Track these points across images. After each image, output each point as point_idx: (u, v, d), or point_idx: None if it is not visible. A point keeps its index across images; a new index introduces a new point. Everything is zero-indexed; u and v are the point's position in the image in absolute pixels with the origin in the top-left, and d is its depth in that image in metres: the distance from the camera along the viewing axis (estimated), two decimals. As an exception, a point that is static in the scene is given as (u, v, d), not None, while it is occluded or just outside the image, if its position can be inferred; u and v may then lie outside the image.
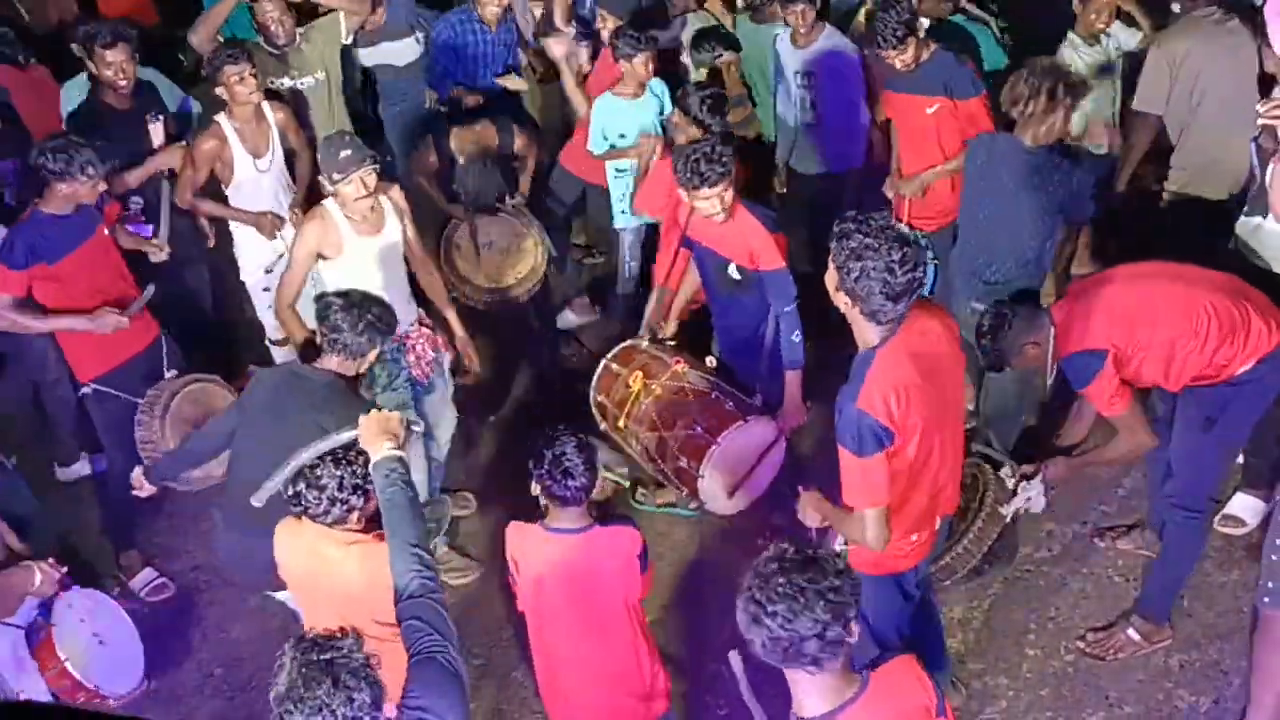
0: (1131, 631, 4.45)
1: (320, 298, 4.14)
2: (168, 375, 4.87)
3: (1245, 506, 4.82)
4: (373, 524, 3.42)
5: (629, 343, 5.10)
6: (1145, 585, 4.51)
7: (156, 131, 5.45)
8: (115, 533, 5.17)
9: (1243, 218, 4.58)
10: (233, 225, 5.59)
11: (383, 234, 4.71)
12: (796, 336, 4.60)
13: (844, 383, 3.34)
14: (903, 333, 3.31)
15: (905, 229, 3.33)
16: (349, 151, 4.51)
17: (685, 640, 4.73)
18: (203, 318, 5.86)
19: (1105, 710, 4.28)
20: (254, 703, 4.57)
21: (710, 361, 4.93)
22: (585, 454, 3.53)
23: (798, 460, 4.95)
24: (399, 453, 3.17)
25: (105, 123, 5.22)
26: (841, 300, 3.28)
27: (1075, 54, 5.44)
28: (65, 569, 4.02)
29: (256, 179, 5.45)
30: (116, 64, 5.19)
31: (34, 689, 3.90)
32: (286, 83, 5.72)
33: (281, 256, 5.42)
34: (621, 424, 4.85)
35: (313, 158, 5.55)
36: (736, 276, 4.70)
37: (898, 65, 5.04)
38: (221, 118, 5.35)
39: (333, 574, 3.48)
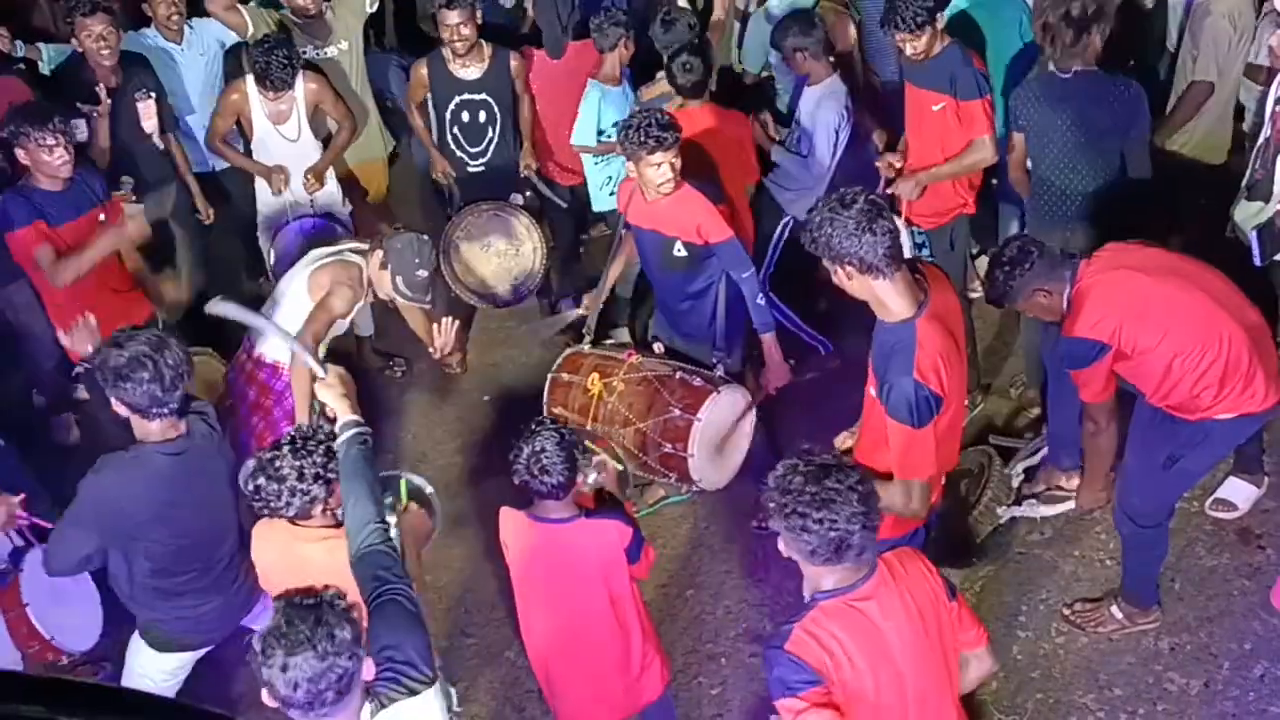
0: (1115, 610, 4.48)
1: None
2: None
3: (1236, 491, 4.83)
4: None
5: (570, 351, 5.06)
6: (1123, 572, 4.53)
7: (147, 110, 5.38)
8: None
9: (1244, 202, 4.57)
10: (256, 182, 5.67)
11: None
12: (761, 299, 4.64)
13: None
14: (931, 304, 3.35)
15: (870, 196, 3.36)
16: (425, 274, 4.45)
17: (677, 622, 4.75)
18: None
19: (1095, 692, 4.29)
20: (248, 678, 4.57)
21: (658, 347, 4.93)
22: (565, 450, 3.47)
23: (776, 425, 5.00)
24: (359, 419, 3.21)
25: (88, 101, 5.16)
26: (848, 276, 3.30)
27: None
28: (16, 498, 3.94)
29: (278, 141, 5.51)
30: (96, 33, 5.09)
31: None
32: (310, 52, 5.71)
33: (287, 223, 5.51)
34: (590, 430, 4.80)
35: (352, 129, 5.66)
36: (683, 253, 4.67)
37: (906, 50, 4.91)
38: (249, 76, 5.41)
39: (309, 573, 3.38)
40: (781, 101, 5.99)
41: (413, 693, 2.67)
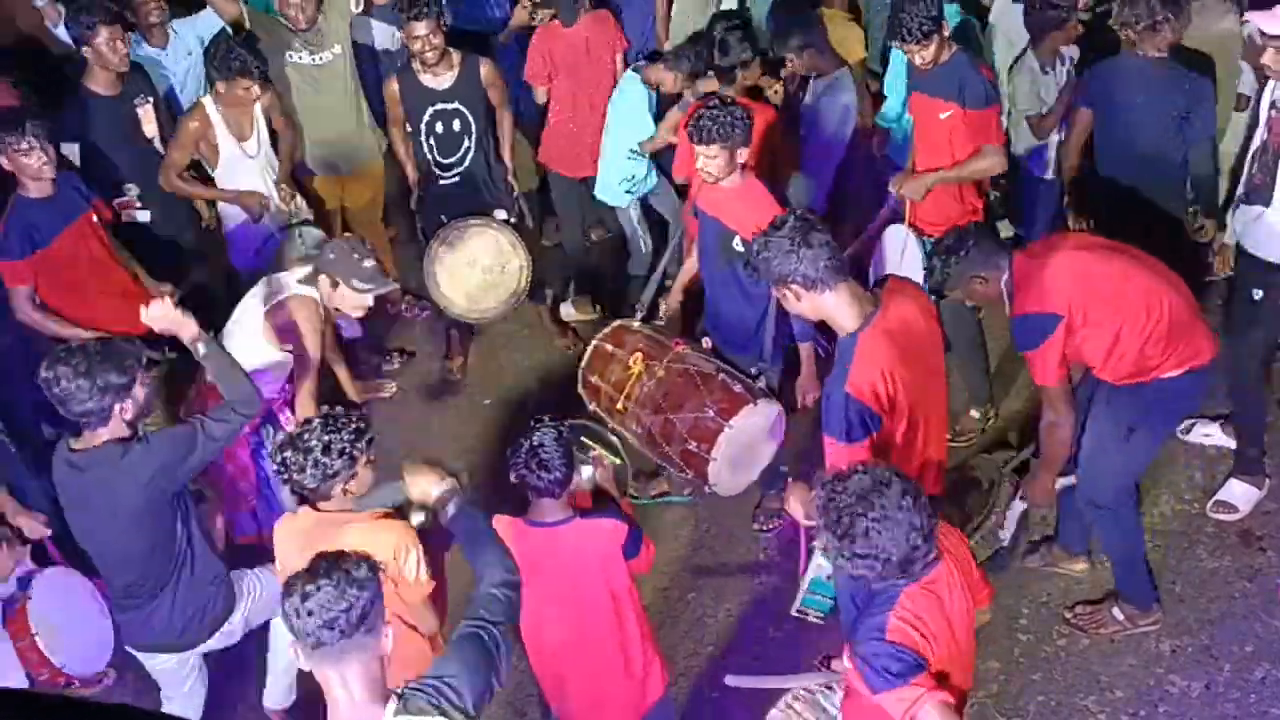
0: (1116, 611, 4.49)
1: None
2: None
3: (1237, 493, 4.84)
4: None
5: (619, 323, 5.06)
6: (1114, 573, 4.54)
7: (147, 115, 5.40)
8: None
9: (1242, 206, 4.58)
10: (222, 208, 5.57)
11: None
12: None
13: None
14: (881, 317, 3.34)
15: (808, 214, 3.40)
16: (371, 262, 4.44)
17: (678, 624, 4.74)
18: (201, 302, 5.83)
19: (1097, 694, 4.30)
20: (247, 684, 4.56)
21: (706, 343, 4.89)
22: (563, 447, 3.50)
23: (795, 441, 4.94)
24: (450, 484, 3.28)
25: (94, 111, 5.19)
26: (796, 296, 3.35)
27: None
28: (27, 544, 4.04)
29: (242, 161, 5.41)
30: (110, 41, 5.09)
31: (5, 660, 3.90)
32: (306, 59, 5.69)
33: (271, 238, 5.41)
34: (620, 406, 4.79)
35: (295, 139, 5.60)
36: (739, 249, 4.60)
37: (915, 61, 4.87)
38: (207, 100, 5.33)
39: None
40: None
41: (442, 714, 2.58)
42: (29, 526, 4.28)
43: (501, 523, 3.64)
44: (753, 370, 4.78)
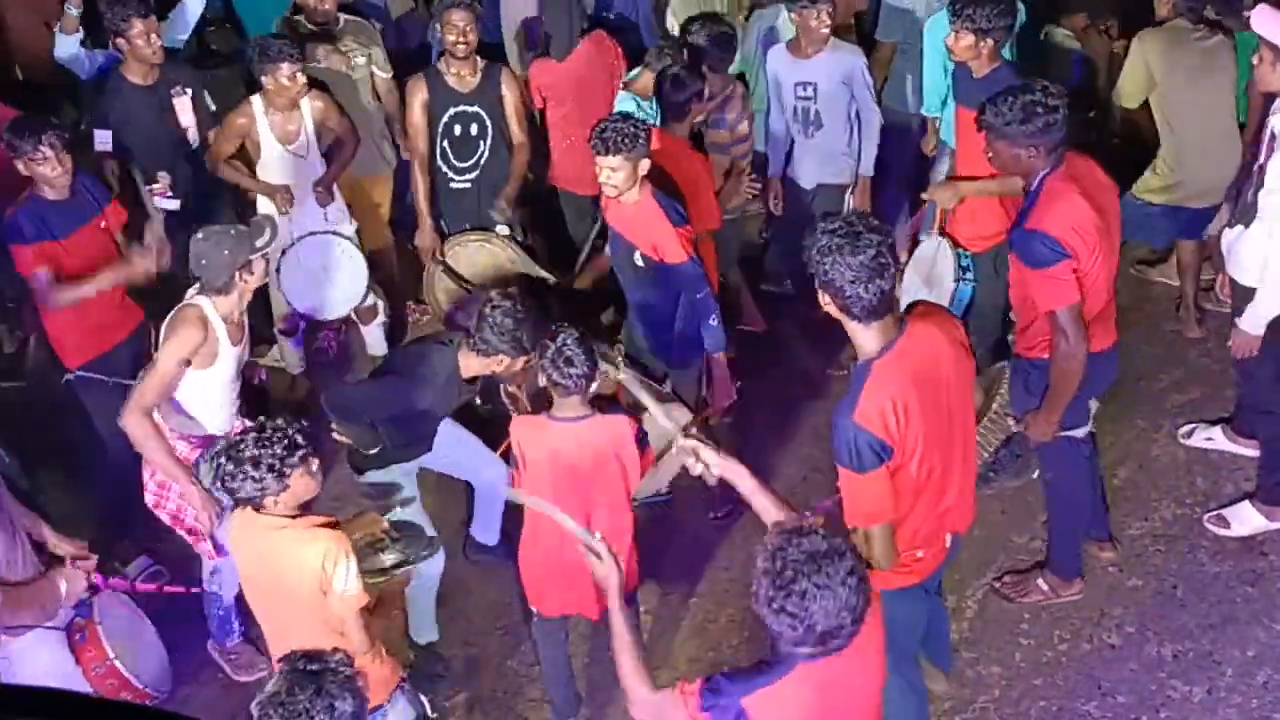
0: (1041, 581, 4.60)
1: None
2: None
3: (1244, 515, 4.80)
4: (305, 510, 3.52)
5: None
6: (1049, 542, 4.63)
7: (182, 106, 5.52)
8: (109, 519, 5.14)
9: (1227, 229, 4.62)
10: (257, 201, 5.63)
11: (244, 341, 4.40)
12: (714, 320, 4.64)
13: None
14: (902, 344, 3.23)
15: (873, 220, 3.27)
16: (238, 234, 4.20)
17: (680, 629, 4.74)
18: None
19: (1098, 699, 4.29)
20: (248, 692, 4.56)
21: (619, 349, 4.93)
22: (584, 345, 3.82)
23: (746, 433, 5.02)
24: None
25: (129, 99, 5.33)
26: (825, 302, 3.26)
27: None
28: (93, 559, 3.91)
29: (285, 161, 5.49)
30: (144, 34, 5.23)
31: (81, 689, 3.70)
32: (327, 63, 5.76)
33: (299, 240, 5.49)
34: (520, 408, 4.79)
35: (354, 148, 5.65)
36: (640, 264, 4.68)
37: (951, 45, 4.84)
38: (255, 98, 5.42)
39: (274, 561, 3.50)
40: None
41: None
42: (72, 552, 4.03)
43: (522, 424, 3.99)
44: (665, 376, 4.86)
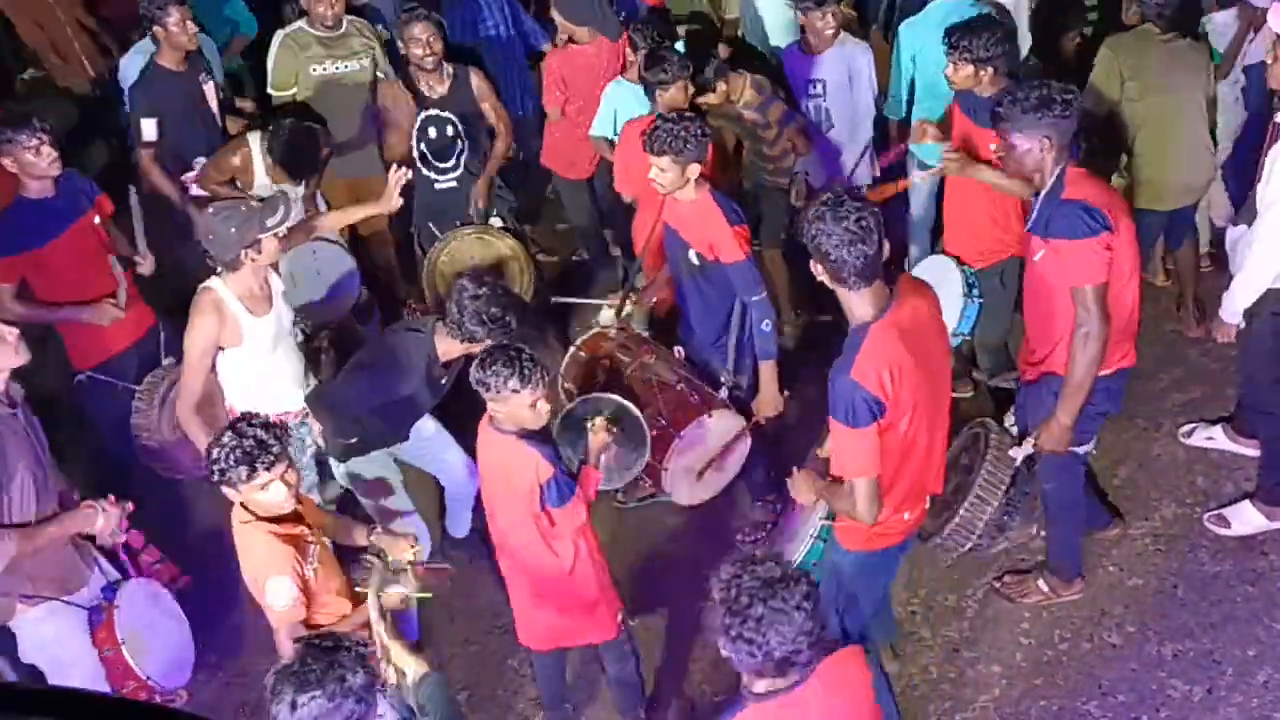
0: (1041, 582, 4.62)
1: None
2: (165, 362, 4.86)
3: (1245, 515, 4.80)
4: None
5: (596, 330, 5.11)
6: (1048, 544, 4.62)
7: (210, 91, 5.68)
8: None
9: (1230, 227, 4.63)
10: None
11: (274, 310, 4.36)
12: (767, 325, 4.55)
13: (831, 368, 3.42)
14: (894, 312, 3.39)
15: (856, 191, 3.42)
16: (243, 209, 4.21)
17: (682, 632, 4.74)
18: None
19: (1098, 699, 4.30)
20: (250, 688, 4.57)
21: (678, 352, 4.93)
22: (513, 362, 3.75)
23: (780, 452, 4.93)
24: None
25: (166, 84, 5.52)
26: (818, 271, 3.39)
27: None
28: (129, 505, 3.93)
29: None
30: (180, 21, 5.38)
31: (86, 670, 3.79)
32: (329, 67, 5.79)
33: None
34: None
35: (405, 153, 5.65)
36: (695, 262, 4.66)
37: (950, 75, 4.88)
38: (252, 136, 5.40)
39: (244, 552, 3.61)
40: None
41: None
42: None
43: (481, 428, 3.94)
44: (722, 379, 4.79)
